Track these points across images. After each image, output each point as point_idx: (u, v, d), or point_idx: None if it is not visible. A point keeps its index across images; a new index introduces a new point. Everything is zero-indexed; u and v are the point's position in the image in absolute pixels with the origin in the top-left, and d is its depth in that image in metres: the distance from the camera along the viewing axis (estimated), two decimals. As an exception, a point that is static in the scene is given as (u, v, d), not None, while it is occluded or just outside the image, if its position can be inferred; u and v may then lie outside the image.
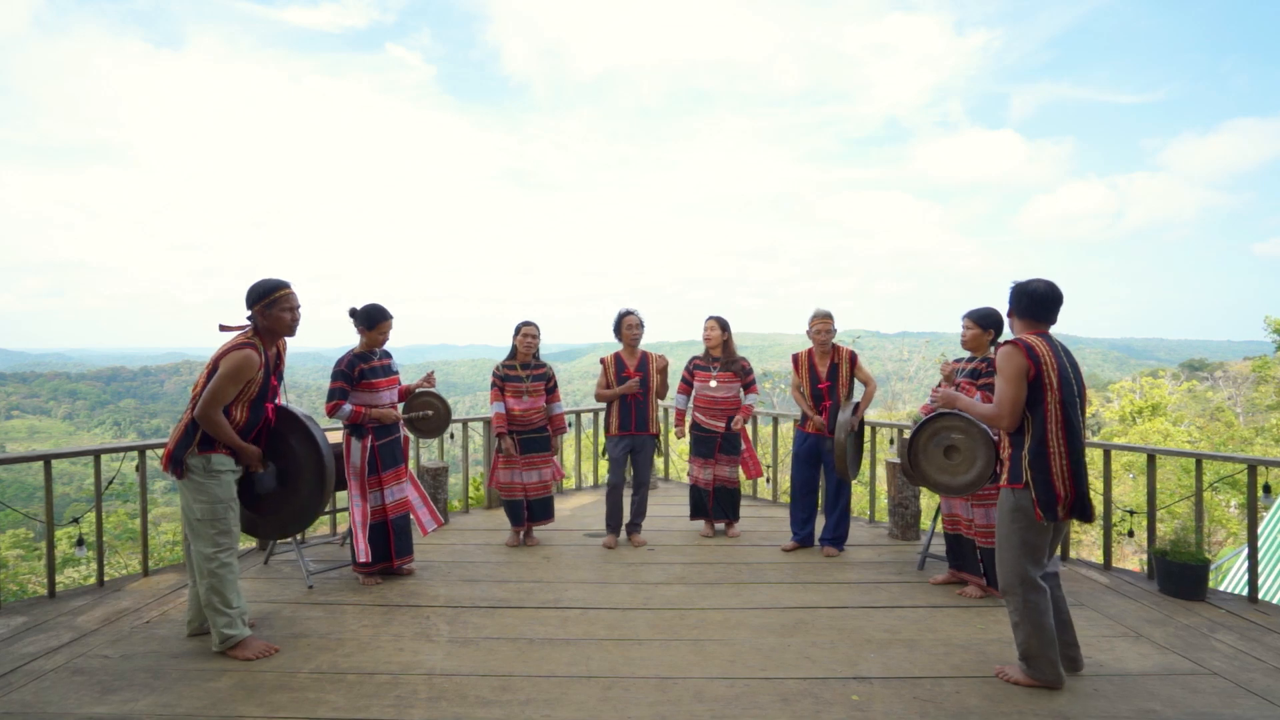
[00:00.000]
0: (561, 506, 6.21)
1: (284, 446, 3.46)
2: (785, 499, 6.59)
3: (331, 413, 4.08)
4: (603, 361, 5.20)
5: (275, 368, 3.33)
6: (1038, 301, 2.87)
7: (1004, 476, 2.88)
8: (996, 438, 3.05)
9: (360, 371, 4.11)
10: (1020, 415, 2.77)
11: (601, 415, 5.79)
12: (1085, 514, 2.76)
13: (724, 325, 5.24)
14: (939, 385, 4.20)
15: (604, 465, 5.33)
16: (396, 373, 4.35)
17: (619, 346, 5.22)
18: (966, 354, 4.12)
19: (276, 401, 3.48)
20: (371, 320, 4.15)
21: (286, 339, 3.40)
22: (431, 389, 4.43)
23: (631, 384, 4.99)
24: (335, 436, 4.51)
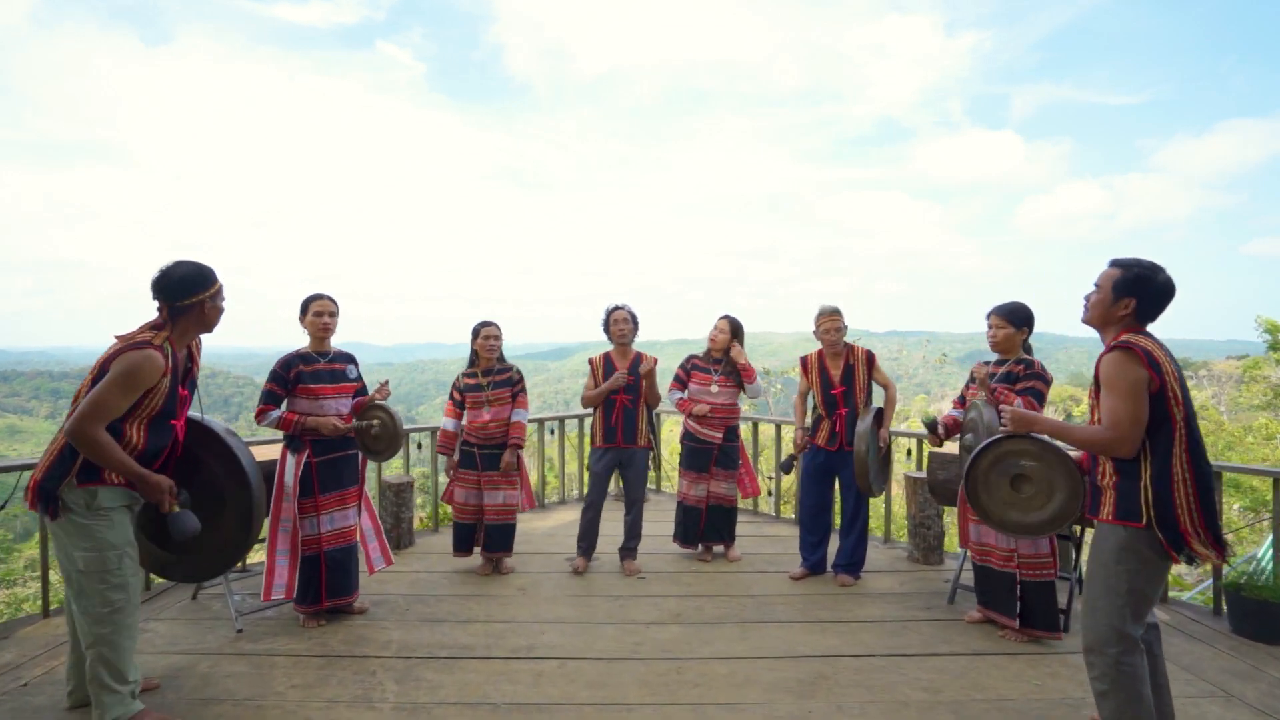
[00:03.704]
0: (541, 524, 5.59)
1: (200, 470, 2.75)
2: (787, 513, 6.00)
3: (260, 418, 3.45)
4: (591, 362, 4.60)
5: (186, 375, 2.62)
6: (1166, 295, 2.28)
7: (1106, 510, 2.28)
8: (1094, 464, 2.44)
9: (298, 374, 3.47)
10: (1142, 439, 2.18)
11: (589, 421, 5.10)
12: (1220, 550, 2.18)
13: (735, 328, 4.64)
14: (968, 385, 3.63)
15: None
16: (355, 380, 3.70)
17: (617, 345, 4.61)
18: (994, 356, 3.57)
19: (195, 416, 2.80)
20: (305, 306, 3.55)
21: (198, 339, 2.72)
22: (383, 402, 3.77)
23: (618, 377, 4.38)
24: (273, 451, 3.87)
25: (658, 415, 7.19)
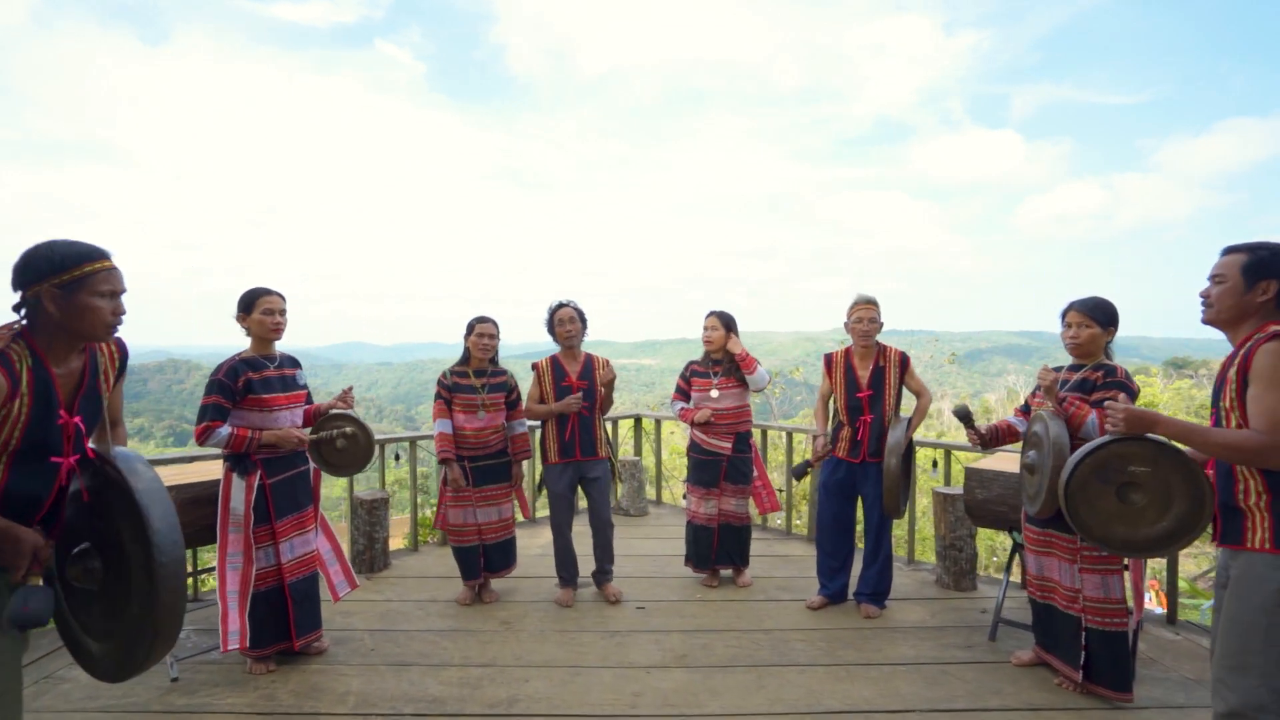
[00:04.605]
0: (533, 542, 5.11)
1: (107, 526, 1.82)
2: (800, 530, 5.52)
3: (203, 438, 2.94)
4: (536, 367, 4.04)
5: (75, 397, 1.86)
6: None
7: (1257, 536, 1.84)
8: (1227, 480, 1.96)
9: (246, 383, 2.97)
10: None
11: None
12: None
13: (727, 322, 4.16)
14: (1034, 393, 3.14)
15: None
16: (304, 387, 3.22)
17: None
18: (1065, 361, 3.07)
19: (105, 449, 1.88)
20: (248, 302, 3.04)
21: (104, 346, 1.96)
22: (348, 410, 3.28)
23: (572, 401, 3.89)
24: (212, 469, 3.38)
25: (657, 421, 6.72)
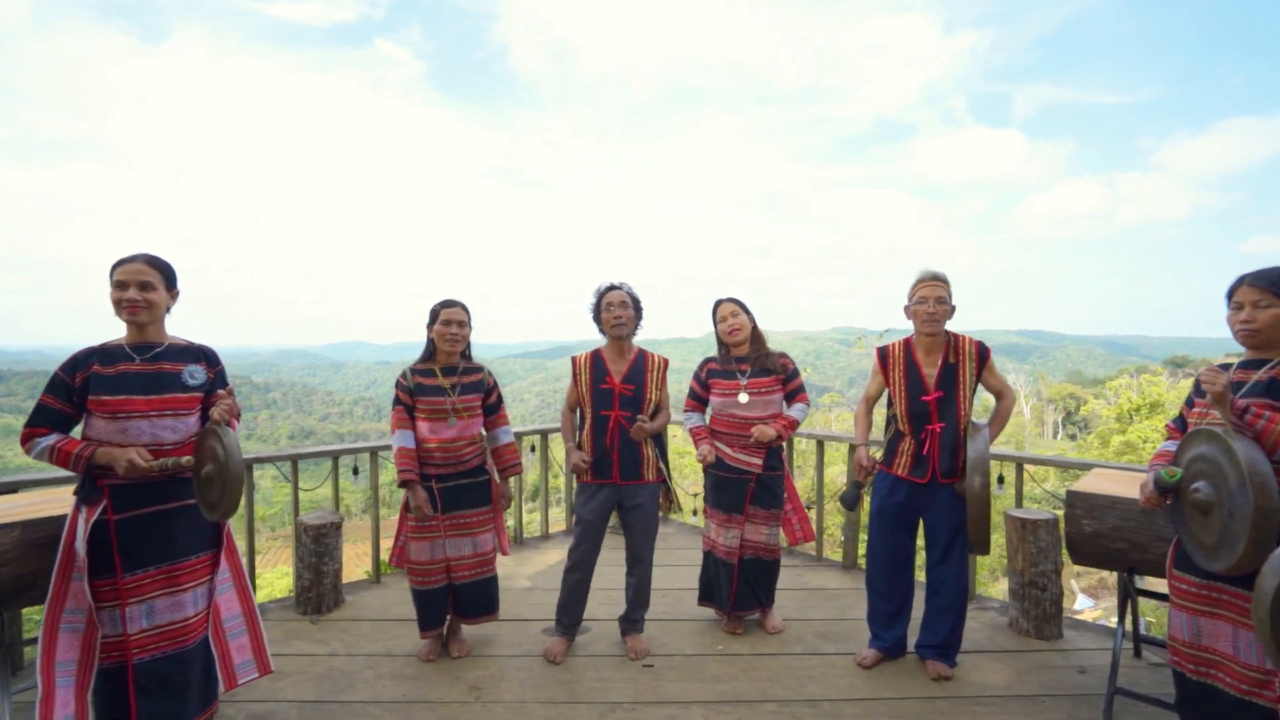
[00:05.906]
0: (520, 571, 4.30)
1: None
2: (834, 556, 4.71)
3: (27, 447, 2.16)
4: (574, 361, 3.26)
5: None
6: None
7: None
8: None
9: (90, 379, 2.16)
10: None
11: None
12: None
13: (748, 310, 3.41)
14: (1191, 404, 2.32)
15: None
16: (198, 388, 2.31)
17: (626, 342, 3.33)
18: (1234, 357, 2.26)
19: None
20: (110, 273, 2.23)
21: None
22: (218, 426, 2.21)
23: (579, 465, 3.16)
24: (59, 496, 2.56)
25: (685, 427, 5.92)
